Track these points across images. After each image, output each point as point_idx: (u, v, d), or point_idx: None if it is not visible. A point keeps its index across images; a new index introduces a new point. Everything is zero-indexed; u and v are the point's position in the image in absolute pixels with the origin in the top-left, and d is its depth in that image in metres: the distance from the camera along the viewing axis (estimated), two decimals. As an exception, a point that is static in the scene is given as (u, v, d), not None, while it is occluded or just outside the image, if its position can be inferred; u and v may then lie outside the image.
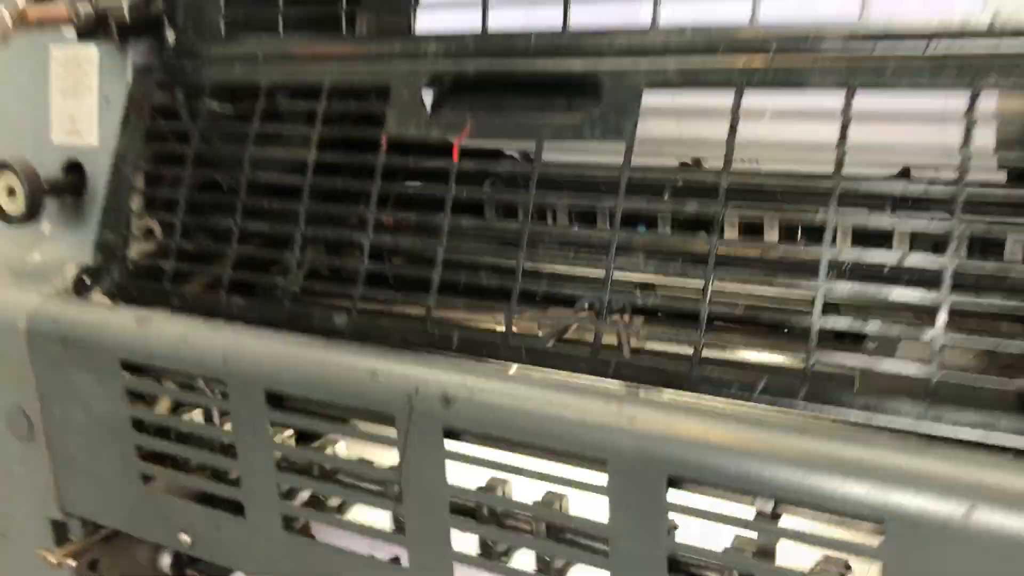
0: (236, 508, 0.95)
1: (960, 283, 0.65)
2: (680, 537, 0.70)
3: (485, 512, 0.81)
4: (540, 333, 0.89)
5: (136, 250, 1.06)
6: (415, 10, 0.95)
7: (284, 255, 0.95)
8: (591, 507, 0.74)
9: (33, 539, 1.10)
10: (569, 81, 0.83)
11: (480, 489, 0.80)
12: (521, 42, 0.85)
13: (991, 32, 0.67)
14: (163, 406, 1.02)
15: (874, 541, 0.62)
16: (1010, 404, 0.64)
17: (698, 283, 0.73)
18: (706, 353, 0.73)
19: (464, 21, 0.89)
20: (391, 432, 0.81)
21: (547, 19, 0.84)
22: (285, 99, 0.99)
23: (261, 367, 0.88)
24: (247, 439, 0.91)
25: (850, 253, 0.69)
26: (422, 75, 0.89)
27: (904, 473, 0.60)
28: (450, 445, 0.78)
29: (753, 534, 0.68)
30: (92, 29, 1.03)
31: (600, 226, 0.95)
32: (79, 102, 1.13)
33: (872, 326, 0.68)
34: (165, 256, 1.03)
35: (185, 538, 0.99)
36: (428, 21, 0.95)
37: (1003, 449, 0.62)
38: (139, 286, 1.03)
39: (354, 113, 0.94)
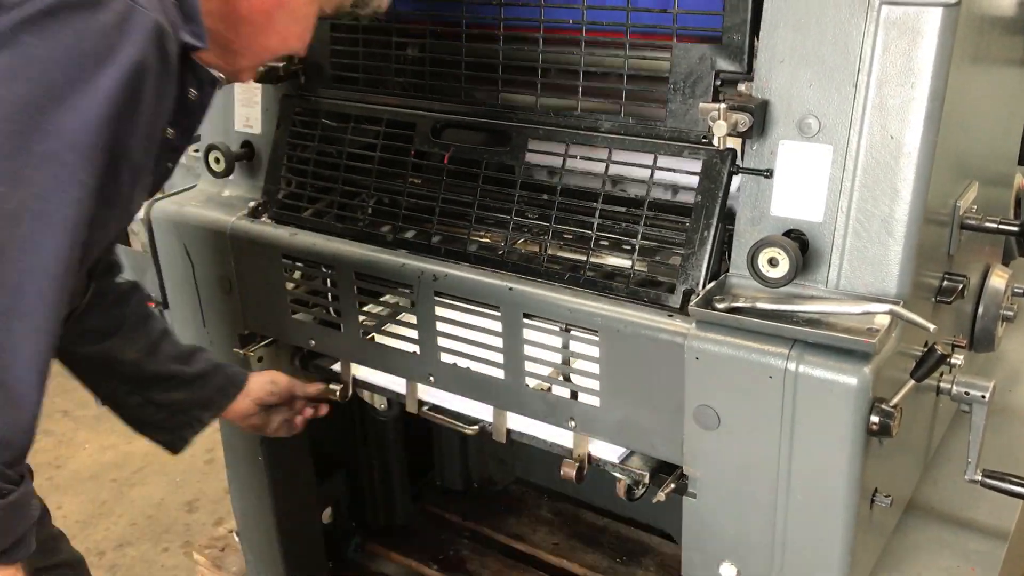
0: (336, 326, 1.92)
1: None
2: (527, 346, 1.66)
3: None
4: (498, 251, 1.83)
5: (283, 193, 2.01)
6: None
7: (361, 198, 1.89)
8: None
9: (230, 344, 2.10)
10: (497, 130, 1.75)
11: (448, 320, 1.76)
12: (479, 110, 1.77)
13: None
14: (297, 275, 1.99)
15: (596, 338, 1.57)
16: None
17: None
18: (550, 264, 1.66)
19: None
20: (408, 291, 1.77)
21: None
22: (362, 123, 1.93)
23: (350, 259, 1.84)
24: (343, 293, 1.87)
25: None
26: (430, 120, 1.82)
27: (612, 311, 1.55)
28: (437, 300, 1.74)
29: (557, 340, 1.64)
30: (264, 78, 1.96)
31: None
32: (251, 109, 2.07)
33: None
34: (299, 199, 1.98)
35: (311, 342, 1.98)
36: (436, 85, 1.86)
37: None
38: (285, 214, 1.99)
39: (397, 133, 1.86)
